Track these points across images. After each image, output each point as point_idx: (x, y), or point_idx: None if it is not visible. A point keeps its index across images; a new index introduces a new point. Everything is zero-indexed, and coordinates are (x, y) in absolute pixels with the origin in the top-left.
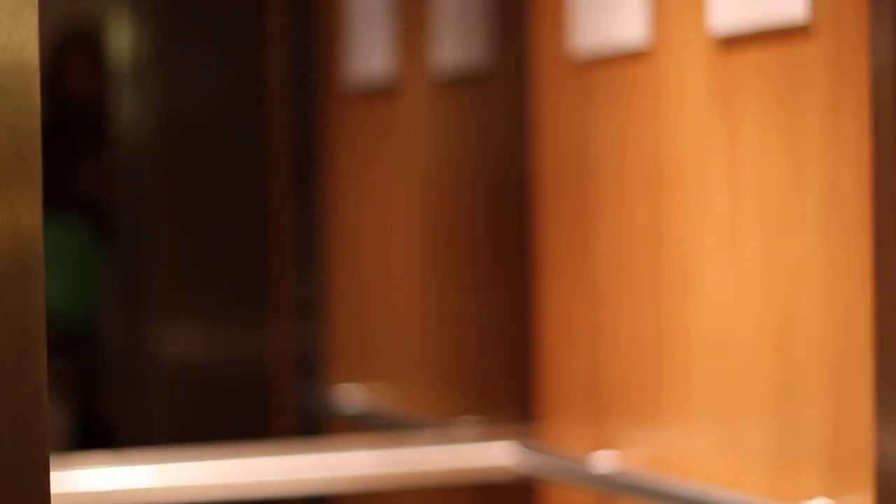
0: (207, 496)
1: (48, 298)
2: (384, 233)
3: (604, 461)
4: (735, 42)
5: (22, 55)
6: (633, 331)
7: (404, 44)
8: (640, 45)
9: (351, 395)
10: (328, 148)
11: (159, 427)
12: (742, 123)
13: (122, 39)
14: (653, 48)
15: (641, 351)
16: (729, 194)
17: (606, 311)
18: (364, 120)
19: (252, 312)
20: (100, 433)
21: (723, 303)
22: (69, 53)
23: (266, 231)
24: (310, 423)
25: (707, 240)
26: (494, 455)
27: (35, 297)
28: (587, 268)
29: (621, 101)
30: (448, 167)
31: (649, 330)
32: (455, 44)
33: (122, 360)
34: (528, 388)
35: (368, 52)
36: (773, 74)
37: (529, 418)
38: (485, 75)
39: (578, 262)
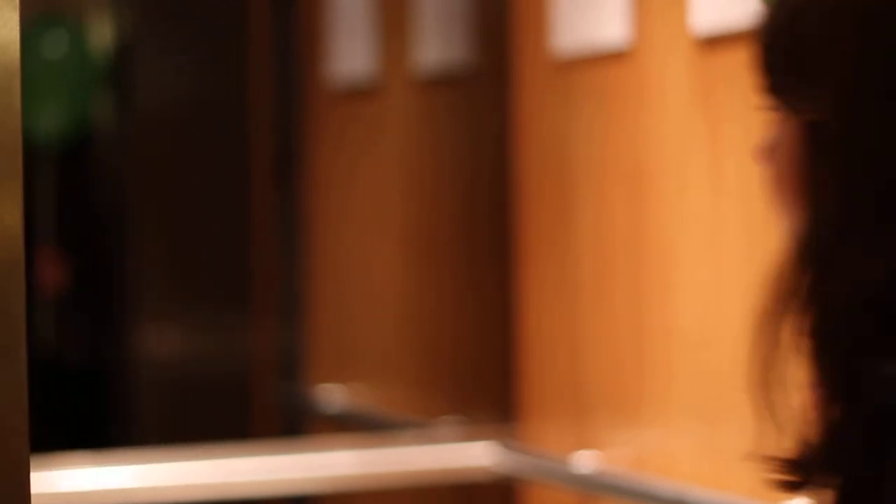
0: (189, 497)
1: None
2: (366, 233)
3: (584, 461)
4: (716, 42)
5: (4, 55)
6: (614, 330)
7: (387, 44)
8: (622, 45)
9: (332, 396)
10: (311, 148)
11: (141, 427)
12: (723, 123)
13: (104, 38)
14: (634, 48)
15: (622, 351)
16: (710, 194)
17: (587, 311)
18: (346, 120)
19: (234, 313)
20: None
21: (704, 302)
22: None
23: (248, 231)
24: (291, 424)
25: (688, 239)
26: (475, 455)
27: (15, 298)
28: (567, 268)
29: (603, 100)
30: (430, 167)
31: (630, 329)
32: (437, 44)
33: (104, 361)
34: (509, 388)
35: (351, 51)
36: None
37: (510, 418)
38: (467, 75)
39: (559, 262)
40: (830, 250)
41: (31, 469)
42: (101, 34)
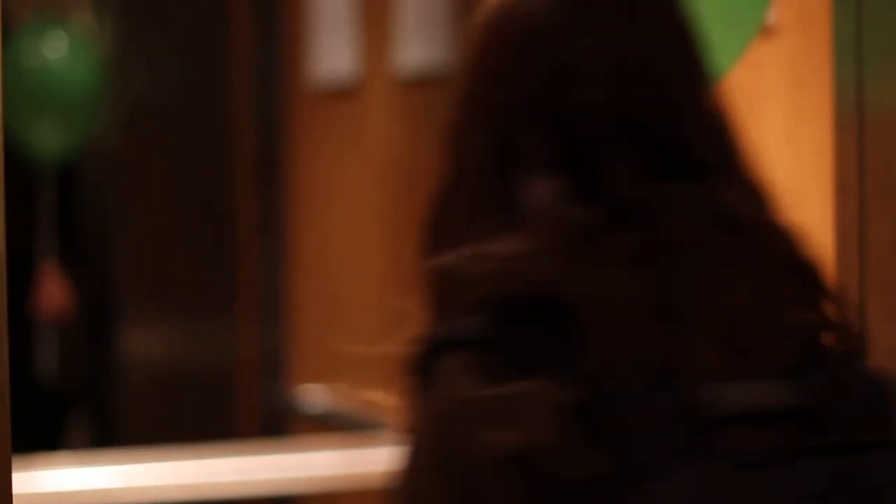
0: (171, 497)
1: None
2: (348, 234)
3: None
4: None
5: None
6: None
7: (367, 44)
8: None
9: (315, 396)
10: (292, 148)
11: (124, 427)
12: None
13: (99, 47)
14: None
15: None
16: None
17: None
18: (328, 120)
19: (217, 314)
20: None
21: None
22: None
23: (232, 234)
24: (274, 424)
25: None
26: None
27: None
28: None
29: None
30: (411, 166)
31: None
32: (417, 44)
33: (88, 361)
34: None
35: (332, 52)
36: (734, 77)
37: None
38: (447, 75)
39: None
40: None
41: (14, 469)
42: (96, 42)
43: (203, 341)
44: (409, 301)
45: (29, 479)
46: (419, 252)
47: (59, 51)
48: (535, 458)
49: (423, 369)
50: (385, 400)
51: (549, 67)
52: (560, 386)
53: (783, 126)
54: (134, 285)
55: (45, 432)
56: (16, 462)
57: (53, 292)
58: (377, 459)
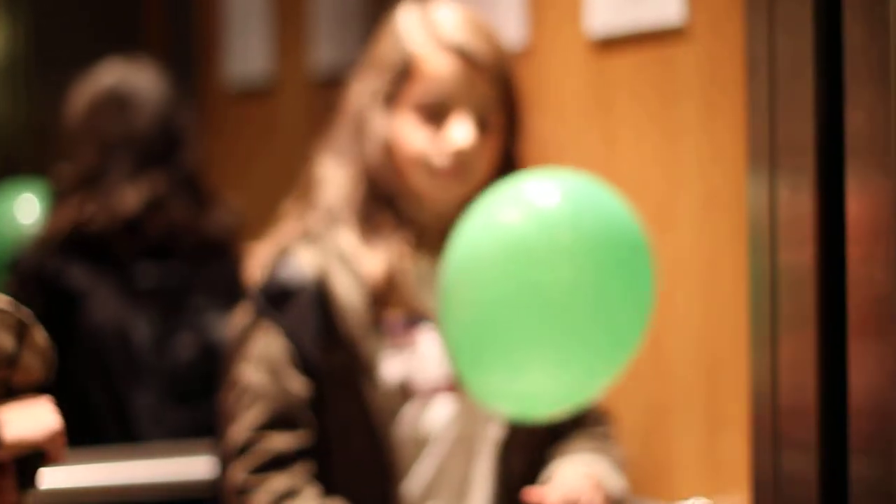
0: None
1: None
2: (259, 235)
3: None
4: (611, 44)
5: None
6: None
7: (281, 45)
8: (518, 47)
9: None
10: (205, 148)
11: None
12: (619, 126)
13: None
14: (530, 49)
15: None
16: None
17: None
18: (241, 120)
19: None
20: None
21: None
22: None
23: None
24: None
25: None
26: None
27: None
28: None
29: None
30: None
31: None
32: (331, 45)
33: None
34: None
35: (246, 53)
36: (648, 76)
37: None
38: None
39: None
40: None
41: None
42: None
43: None
44: None
45: None
46: None
47: None
48: None
49: None
50: None
51: None
52: None
53: (698, 119)
54: None
55: None
56: None
57: None
58: None
